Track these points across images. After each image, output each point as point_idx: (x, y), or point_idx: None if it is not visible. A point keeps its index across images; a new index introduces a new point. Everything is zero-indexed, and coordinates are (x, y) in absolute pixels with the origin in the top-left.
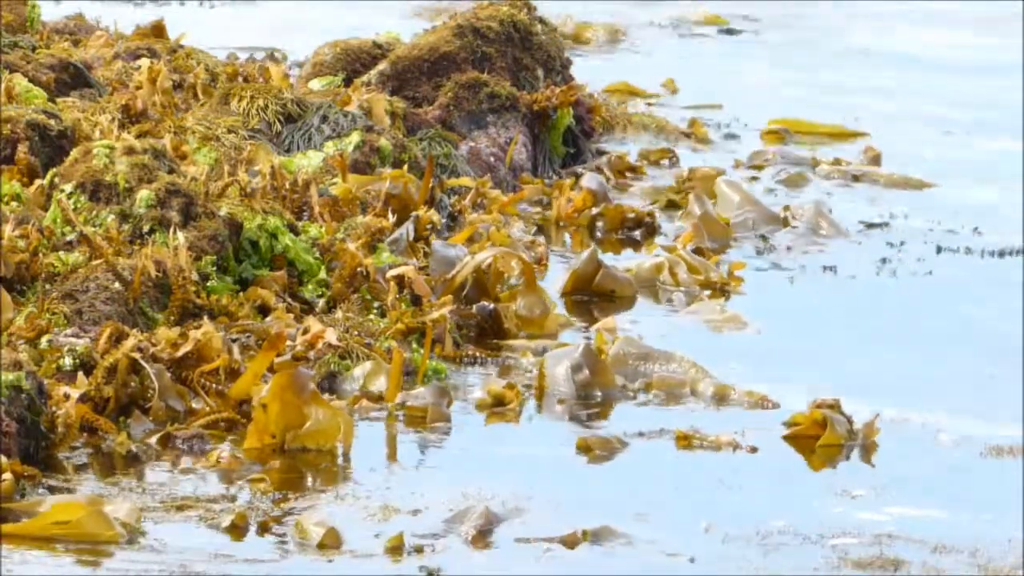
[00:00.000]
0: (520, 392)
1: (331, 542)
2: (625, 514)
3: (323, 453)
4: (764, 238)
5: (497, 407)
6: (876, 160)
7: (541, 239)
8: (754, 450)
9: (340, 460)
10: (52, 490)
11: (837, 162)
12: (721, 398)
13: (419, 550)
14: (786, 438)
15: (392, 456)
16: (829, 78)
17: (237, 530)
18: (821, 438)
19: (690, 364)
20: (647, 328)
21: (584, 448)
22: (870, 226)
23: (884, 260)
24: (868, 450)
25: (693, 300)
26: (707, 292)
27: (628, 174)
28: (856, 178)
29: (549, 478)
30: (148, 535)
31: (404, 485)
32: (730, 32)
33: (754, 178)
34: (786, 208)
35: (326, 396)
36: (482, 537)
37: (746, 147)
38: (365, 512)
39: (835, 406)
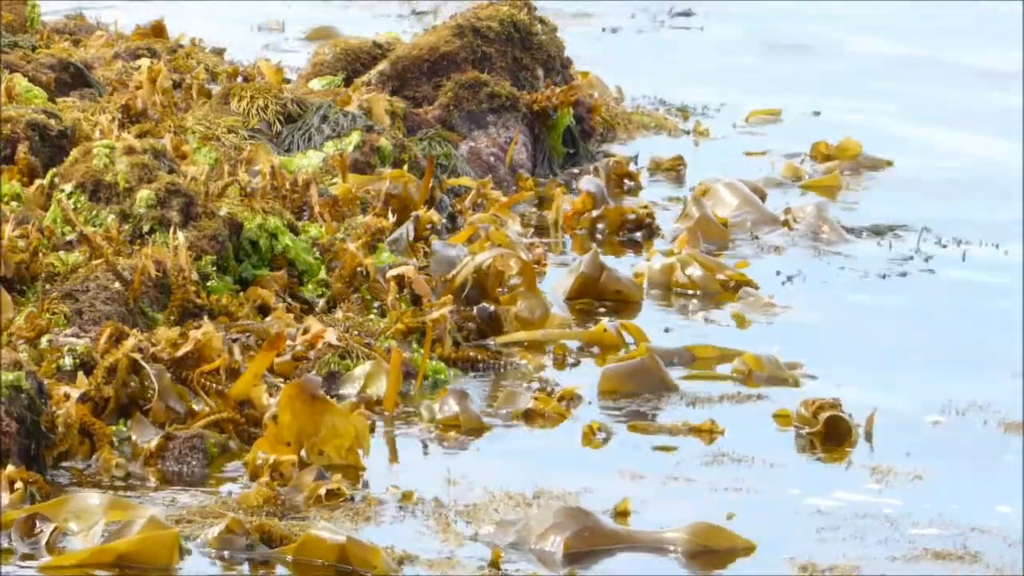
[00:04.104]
0: (559, 405)
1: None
2: (656, 496)
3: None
4: (756, 237)
5: (538, 416)
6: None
7: (539, 241)
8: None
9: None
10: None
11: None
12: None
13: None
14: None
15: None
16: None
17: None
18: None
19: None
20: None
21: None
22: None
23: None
24: (870, 442)
25: (712, 300)
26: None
27: (627, 181)
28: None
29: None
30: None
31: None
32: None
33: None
34: (787, 210)
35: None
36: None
37: (742, 141)
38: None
39: (836, 405)
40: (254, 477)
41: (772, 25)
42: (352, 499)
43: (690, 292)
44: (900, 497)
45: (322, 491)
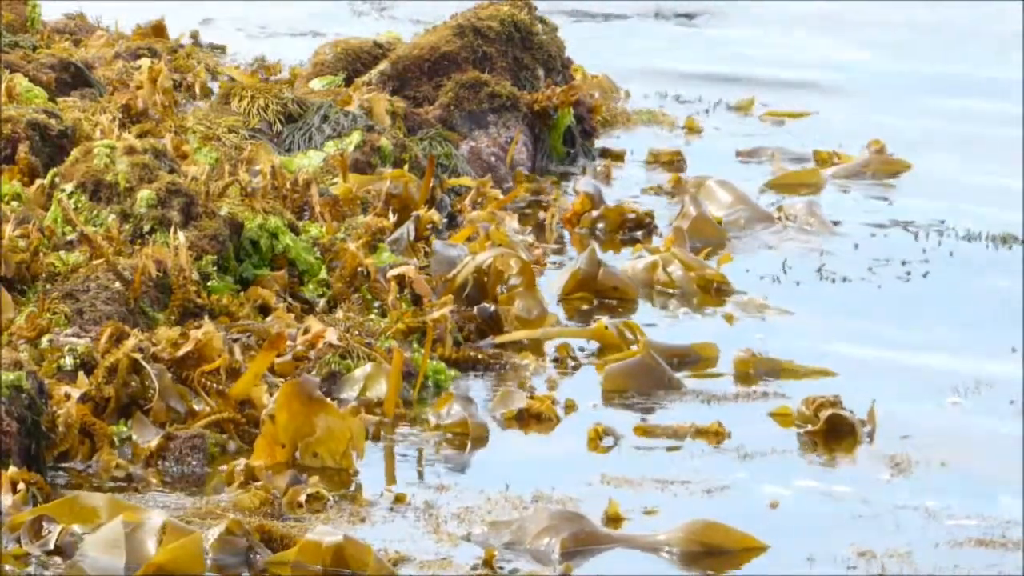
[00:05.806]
0: (554, 409)
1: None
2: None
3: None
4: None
5: (533, 418)
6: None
7: (536, 242)
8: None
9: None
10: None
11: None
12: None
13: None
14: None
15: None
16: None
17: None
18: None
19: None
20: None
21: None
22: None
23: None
24: (872, 437)
25: (692, 300)
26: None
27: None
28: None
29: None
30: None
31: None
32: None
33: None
34: (779, 208)
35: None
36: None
37: (735, 135)
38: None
39: (836, 403)
40: (229, 483)
41: (789, 36)
42: (334, 502)
43: (670, 291)
44: (927, 487)
45: (302, 497)
